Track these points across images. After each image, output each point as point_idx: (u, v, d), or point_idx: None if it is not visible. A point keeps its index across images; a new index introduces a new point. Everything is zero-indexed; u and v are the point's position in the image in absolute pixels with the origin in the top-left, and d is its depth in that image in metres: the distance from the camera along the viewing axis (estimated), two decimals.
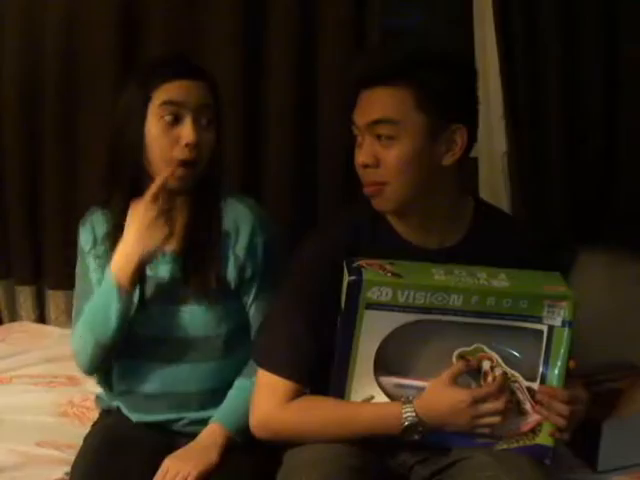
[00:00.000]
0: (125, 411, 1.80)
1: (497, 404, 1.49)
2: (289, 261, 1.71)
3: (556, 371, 1.51)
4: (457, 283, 1.49)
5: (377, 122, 1.52)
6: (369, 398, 1.55)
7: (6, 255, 2.70)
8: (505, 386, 1.51)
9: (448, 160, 1.55)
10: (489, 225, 1.65)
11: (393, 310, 1.49)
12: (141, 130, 1.66)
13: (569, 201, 2.44)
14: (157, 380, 1.77)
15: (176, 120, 1.66)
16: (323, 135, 2.54)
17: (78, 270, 1.85)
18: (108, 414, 1.83)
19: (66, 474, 1.71)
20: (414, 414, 1.49)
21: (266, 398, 1.61)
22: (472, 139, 1.57)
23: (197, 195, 1.74)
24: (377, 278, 1.48)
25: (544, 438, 1.54)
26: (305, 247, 1.68)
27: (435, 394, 1.51)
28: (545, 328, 1.50)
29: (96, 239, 1.79)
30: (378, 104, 1.52)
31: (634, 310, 2.25)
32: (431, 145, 1.52)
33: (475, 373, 1.53)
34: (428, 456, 1.61)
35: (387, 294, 1.47)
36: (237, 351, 1.78)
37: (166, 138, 1.66)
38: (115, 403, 1.82)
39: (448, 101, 1.52)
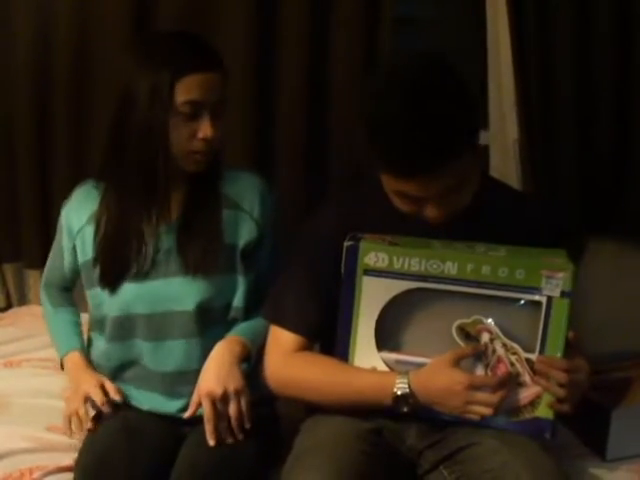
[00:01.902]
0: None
1: (493, 397, 1.51)
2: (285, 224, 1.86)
3: (555, 342, 1.51)
4: (452, 251, 1.53)
5: (441, 195, 1.49)
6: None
7: (16, 238, 2.70)
8: (506, 382, 1.52)
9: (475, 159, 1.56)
10: (494, 198, 1.67)
11: (390, 277, 1.54)
12: (166, 116, 1.67)
13: (580, 189, 2.43)
14: (147, 358, 1.81)
15: (194, 115, 1.69)
16: (335, 116, 2.53)
17: (56, 247, 1.95)
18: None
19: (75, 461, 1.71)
20: (407, 385, 1.53)
21: (275, 349, 1.69)
22: None
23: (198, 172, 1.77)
24: (373, 244, 1.55)
25: (543, 411, 1.55)
26: (314, 214, 1.76)
27: (434, 371, 1.53)
28: (544, 299, 1.51)
29: (81, 218, 1.84)
30: (434, 183, 1.46)
31: None
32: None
33: (480, 354, 1.55)
34: (437, 441, 1.63)
35: (383, 260, 1.54)
36: (214, 330, 1.80)
37: (184, 130, 1.69)
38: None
39: (473, 131, 1.51)
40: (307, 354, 1.68)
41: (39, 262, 2.65)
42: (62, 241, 1.90)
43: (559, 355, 1.52)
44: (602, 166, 2.44)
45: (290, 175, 2.54)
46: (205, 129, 1.68)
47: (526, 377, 1.54)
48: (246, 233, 1.80)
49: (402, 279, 1.54)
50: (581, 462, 1.77)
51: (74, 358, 1.87)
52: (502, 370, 1.54)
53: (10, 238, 2.71)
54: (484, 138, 2.51)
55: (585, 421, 1.84)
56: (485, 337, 1.54)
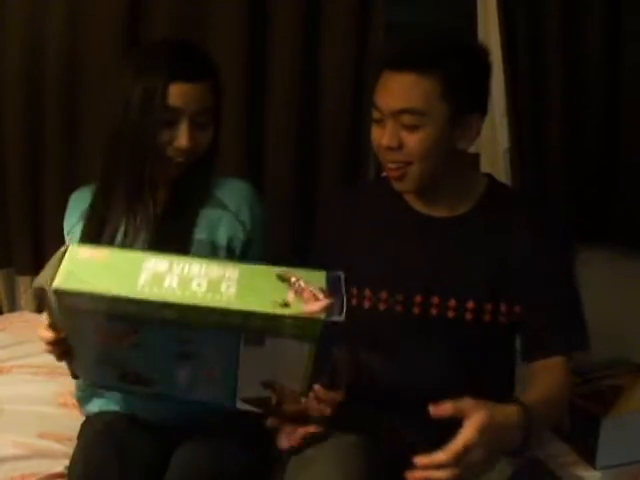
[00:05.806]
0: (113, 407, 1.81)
1: None
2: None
3: None
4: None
5: (403, 111, 1.55)
6: None
7: (6, 244, 2.69)
8: None
9: (463, 144, 1.61)
10: (499, 200, 1.68)
11: None
12: (158, 119, 1.64)
13: (572, 198, 2.44)
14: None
15: (172, 122, 1.65)
16: (325, 125, 2.53)
17: None
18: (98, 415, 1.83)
19: (66, 468, 1.70)
20: None
21: None
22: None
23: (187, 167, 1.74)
24: None
25: None
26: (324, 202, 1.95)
27: None
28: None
29: (73, 217, 1.82)
30: (405, 92, 1.54)
31: (635, 307, 2.26)
32: (450, 131, 1.57)
33: None
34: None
35: None
36: None
37: (161, 136, 1.65)
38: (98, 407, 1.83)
39: (472, 92, 1.57)
40: None
41: (30, 268, 2.65)
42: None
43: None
44: (593, 175, 2.45)
45: (279, 182, 2.54)
46: (181, 138, 1.65)
47: None
48: (229, 230, 1.77)
49: None
50: (571, 470, 1.78)
51: None
52: None
53: (0, 244, 2.70)
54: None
55: (575, 429, 1.85)
56: None
